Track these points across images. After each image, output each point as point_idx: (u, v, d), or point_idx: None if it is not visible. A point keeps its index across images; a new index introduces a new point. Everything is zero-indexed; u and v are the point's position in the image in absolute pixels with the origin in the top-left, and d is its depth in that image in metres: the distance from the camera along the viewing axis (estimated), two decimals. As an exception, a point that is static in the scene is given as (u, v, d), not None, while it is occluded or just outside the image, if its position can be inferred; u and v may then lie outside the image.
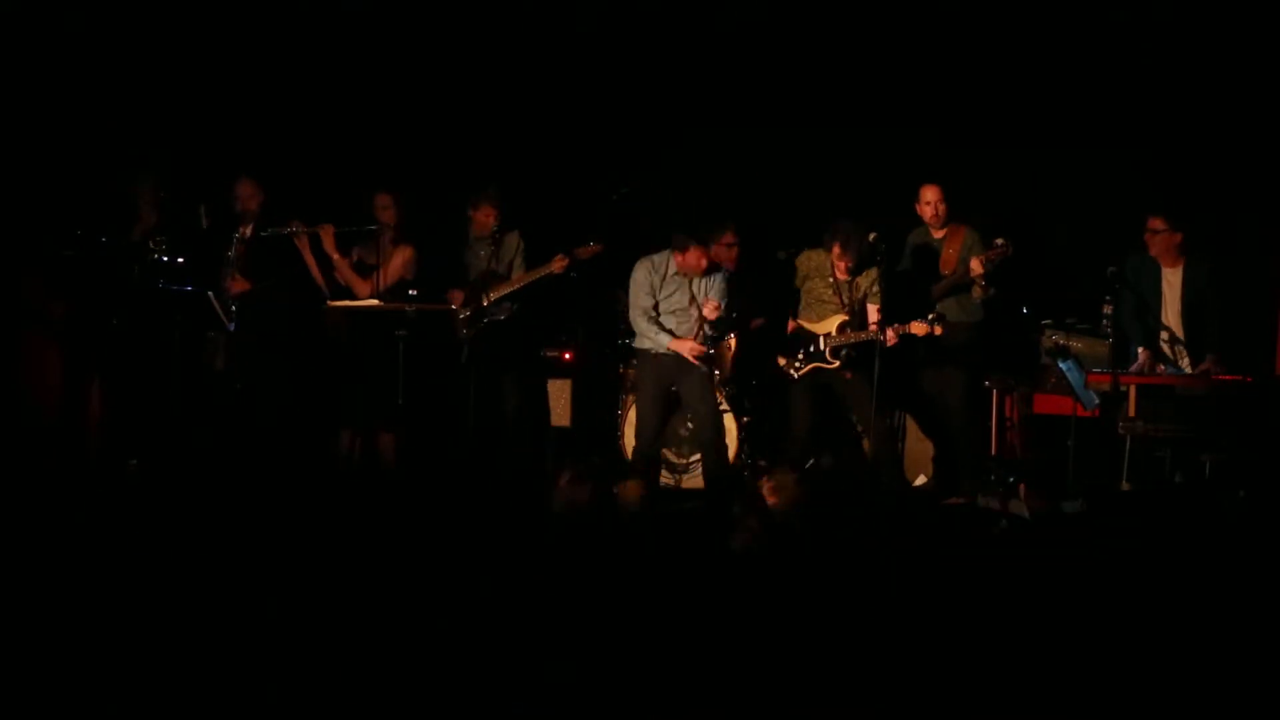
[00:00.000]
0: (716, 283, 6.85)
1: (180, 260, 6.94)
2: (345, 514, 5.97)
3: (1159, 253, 6.74)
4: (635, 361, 7.11)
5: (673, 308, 6.88)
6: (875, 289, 6.88)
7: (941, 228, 7.09)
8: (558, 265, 7.04)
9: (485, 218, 7.19)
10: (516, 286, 7.14)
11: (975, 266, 6.78)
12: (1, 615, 4.29)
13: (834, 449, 7.54)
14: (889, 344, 6.61)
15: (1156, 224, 6.70)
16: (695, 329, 6.83)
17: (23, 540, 5.33)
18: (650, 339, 6.88)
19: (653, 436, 6.97)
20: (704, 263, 6.80)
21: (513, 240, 7.23)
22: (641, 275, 6.89)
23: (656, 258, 6.87)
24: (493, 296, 7.13)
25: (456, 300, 7.15)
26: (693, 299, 6.83)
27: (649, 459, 6.99)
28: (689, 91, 7.94)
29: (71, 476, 6.65)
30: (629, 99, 7.98)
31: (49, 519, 5.76)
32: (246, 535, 5.47)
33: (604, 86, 8.00)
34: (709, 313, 6.74)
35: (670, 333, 6.84)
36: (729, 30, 7.83)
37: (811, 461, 7.47)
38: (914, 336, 6.67)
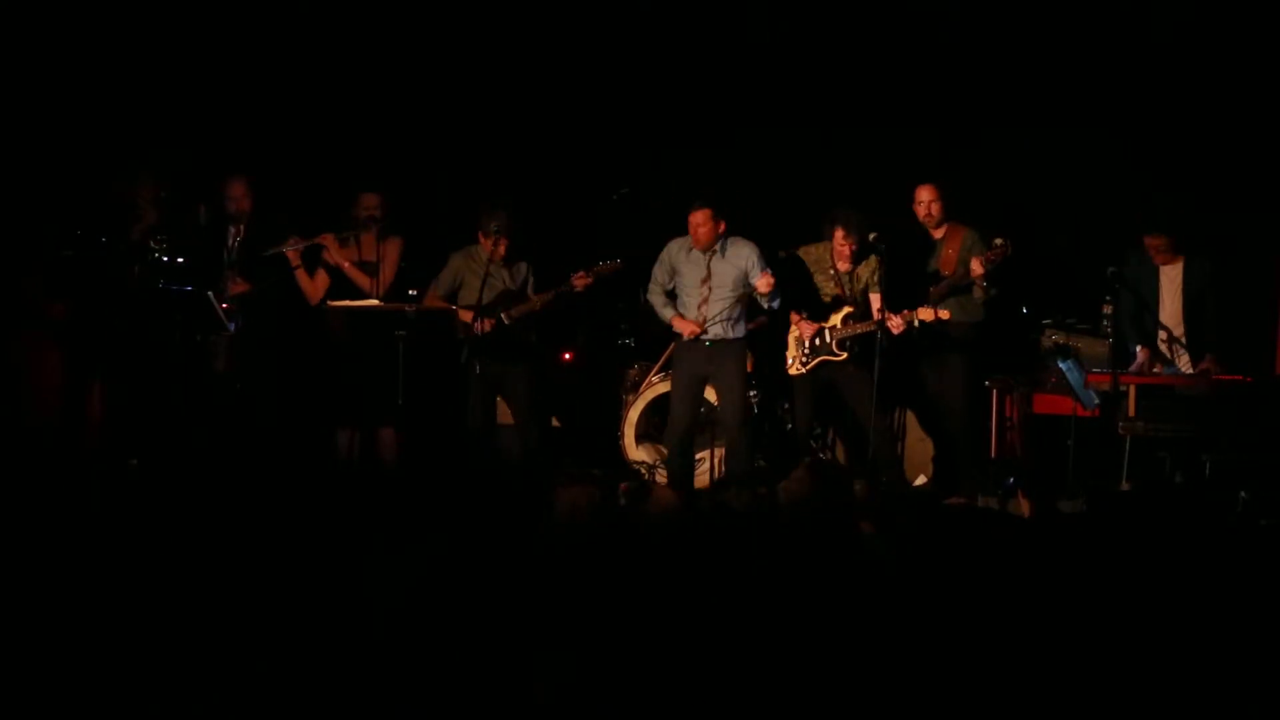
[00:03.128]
0: (732, 260, 6.83)
1: (180, 260, 6.94)
2: (345, 514, 5.96)
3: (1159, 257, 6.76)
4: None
5: (686, 284, 6.92)
6: (876, 278, 6.86)
7: (939, 227, 7.07)
8: (579, 283, 6.91)
9: (497, 248, 6.96)
10: (537, 308, 7.03)
11: (975, 268, 6.76)
12: (2, 615, 4.29)
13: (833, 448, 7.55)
14: (895, 332, 6.59)
15: (1156, 242, 6.71)
16: (699, 308, 6.84)
17: (23, 541, 5.32)
18: (658, 311, 7.01)
19: (684, 432, 6.96)
20: (707, 235, 6.77)
21: (523, 265, 7.13)
22: (663, 252, 6.99)
23: (683, 238, 6.93)
24: (514, 315, 7.01)
25: (468, 320, 7.04)
26: (706, 278, 6.83)
27: (682, 461, 6.98)
28: (687, 91, 7.94)
29: (71, 476, 6.64)
30: (629, 98, 7.98)
31: (49, 519, 5.75)
32: (246, 535, 5.46)
33: (603, 86, 8.00)
34: (762, 286, 6.67)
35: (675, 309, 6.93)
36: (728, 31, 7.83)
37: (810, 460, 7.47)
38: (918, 328, 6.65)
